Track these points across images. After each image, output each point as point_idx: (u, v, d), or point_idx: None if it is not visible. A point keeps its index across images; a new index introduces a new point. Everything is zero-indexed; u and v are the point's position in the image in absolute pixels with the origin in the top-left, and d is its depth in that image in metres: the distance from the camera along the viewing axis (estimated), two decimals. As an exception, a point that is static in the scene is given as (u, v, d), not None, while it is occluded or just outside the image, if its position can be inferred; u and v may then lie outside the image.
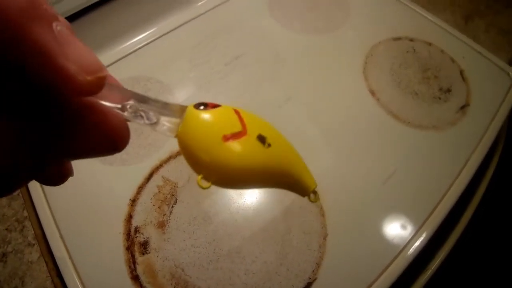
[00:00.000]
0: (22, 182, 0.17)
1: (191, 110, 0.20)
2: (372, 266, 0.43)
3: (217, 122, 0.20)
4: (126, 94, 0.18)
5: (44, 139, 0.15)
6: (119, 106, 0.18)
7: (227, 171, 0.20)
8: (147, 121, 0.19)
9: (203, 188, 0.20)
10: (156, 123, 0.19)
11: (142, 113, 0.19)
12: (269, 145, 0.20)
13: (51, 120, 0.15)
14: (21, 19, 0.12)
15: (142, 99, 0.19)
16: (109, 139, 0.17)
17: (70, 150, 0.17)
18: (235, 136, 0.19)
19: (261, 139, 0.20)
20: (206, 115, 0.19)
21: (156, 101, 0.19)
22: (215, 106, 0.20)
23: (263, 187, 0.23)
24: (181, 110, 0.20)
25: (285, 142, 0.22)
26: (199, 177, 0.20)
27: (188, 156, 0.20)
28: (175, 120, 0.19)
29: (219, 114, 0.20)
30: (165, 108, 0.19)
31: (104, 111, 0.17)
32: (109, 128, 0.17)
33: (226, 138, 0.19)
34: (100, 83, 0.15)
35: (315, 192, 0.24)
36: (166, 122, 0.19)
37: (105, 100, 0.17)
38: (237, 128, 0.20)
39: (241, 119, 0.20)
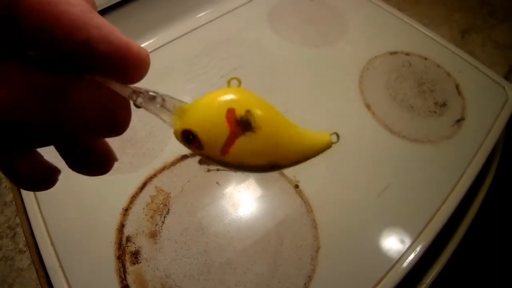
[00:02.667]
0: (36, 139, 0.16)
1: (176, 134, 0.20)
2: (365, 279, 0.42)
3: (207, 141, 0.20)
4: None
5: (54, 95, 0.15)
6: (131, 89, 0.18)
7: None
8: (158, 106, 0.19)
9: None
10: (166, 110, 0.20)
11: (156, 98, 0.19)
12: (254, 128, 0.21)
13: (64, 78, 0.15)
14: None
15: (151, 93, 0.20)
16: (110, 116, 0.17)
17: (73, 117, 0.16)
18: (226, 146, 0.20)
19: (246, 126, 0.20)
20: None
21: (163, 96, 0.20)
22: (199, 144, 0.20)
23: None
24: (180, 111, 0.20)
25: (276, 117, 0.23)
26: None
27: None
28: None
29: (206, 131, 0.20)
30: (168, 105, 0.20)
31: (110, 87, 0.17)
32: (113, 105, 0.17)
33: (224, 152, 0.20)
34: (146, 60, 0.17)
35: (335, 136, 0.27)
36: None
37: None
38: (224, 136, 0.20)
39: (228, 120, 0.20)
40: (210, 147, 0.20)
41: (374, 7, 0.70)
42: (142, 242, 0.43)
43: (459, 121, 0.56)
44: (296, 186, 0.48)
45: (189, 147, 0.20)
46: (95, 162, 0.21)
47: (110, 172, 0.19)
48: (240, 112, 0.20)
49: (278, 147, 0.22)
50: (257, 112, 0.21)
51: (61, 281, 0.41)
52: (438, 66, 0.62)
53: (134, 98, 0.18)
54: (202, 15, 0.67)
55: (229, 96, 0.21)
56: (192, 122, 0.19)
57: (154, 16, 0.64)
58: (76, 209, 0.46)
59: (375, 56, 0.62)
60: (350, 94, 0.58)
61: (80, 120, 0.16)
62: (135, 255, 0.43)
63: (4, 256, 0.45)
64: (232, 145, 0.20)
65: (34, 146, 0.18)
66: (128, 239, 0.43)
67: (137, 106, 0.19)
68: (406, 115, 0.56)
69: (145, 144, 0.51)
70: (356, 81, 0.59)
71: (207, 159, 0.21)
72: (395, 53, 0.63)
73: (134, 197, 0.46)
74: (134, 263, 0.42)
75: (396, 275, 0.43)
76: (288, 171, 0.49)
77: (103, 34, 0.15)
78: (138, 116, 0.54)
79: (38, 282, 0.43)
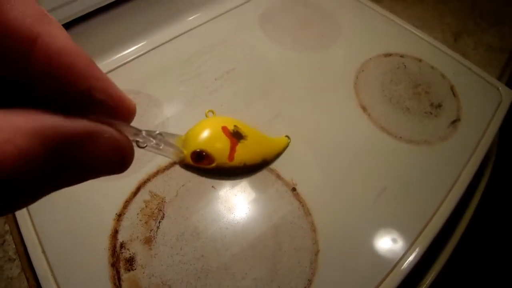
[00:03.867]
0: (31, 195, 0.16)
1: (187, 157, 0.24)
2: (365, 282, 0.42)
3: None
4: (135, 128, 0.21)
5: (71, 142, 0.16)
6: (135, 129, 0.20)
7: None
8: (157, 146, 0.23)
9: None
10: (163, 149, 0.23)
11: (154, 139, 0.23)
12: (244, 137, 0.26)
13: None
14: None
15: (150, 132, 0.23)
16: (118, 155, 0.18)
17: (84, 163, 0.17)
18: (231, 154, 0.25)
19: (239, 136, 0.26)
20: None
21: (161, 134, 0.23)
22: (210, 158, 0.24)
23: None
24: (178, 151, 0.24)
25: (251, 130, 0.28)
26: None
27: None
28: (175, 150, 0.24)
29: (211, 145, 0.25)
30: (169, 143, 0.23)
31: (118, 128, 0.19)
32: (120, 144, 0.18)
33: (231, 159, 0.25)
34: (133, 109, 0.20)
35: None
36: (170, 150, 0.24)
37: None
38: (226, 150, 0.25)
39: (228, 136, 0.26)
40: (220, 158, 0.24)
41: (367, 10, 0.71)
42: (136, 248, 0.42)
43: (455, 122, 0.55)
44: (293, 189, 0.47)
45: (199, 165, 0.24)
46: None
47: (103, 178, 0.19)
48: (230, 127, 0.26)
49: (263, 147, 0.28)
50: (240, 126, 0.27)
51: (53, 290, 0.39)
52: (433, 67, 0.62)
53: (137, 138, 0.21)
54: (193, 18, 0.67)
55: (216, 120, 0.27)
56: (200, 144, 0.24)
57: (145, 18, 0.63)
58: (68, 215, 0.45)
59: (370, 58, 0.62)
60: (345, 96, 0.57)
61: (94, 165, 0.17)
62: (130, 261, 0.41)
63: (-7, 265, 0.43)
64: (235, 152, 0.25)
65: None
66: (122, 245, 0.42)
67: (139, 147, 0.21)
68: (401, 117, 0.55)
69: (138, 149, 0.50)
70: (351, 83, 0.59)
71: (190, 169, 0.25)
72: (390, 55, 0.63)
73: (127, 202, 0.45)
74: (129, 270, 0.41)
75: (395, 277, 0.42)
76: (285, 174, 0.48)
77: (102, 85, 0.17)
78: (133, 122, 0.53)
79: (28, 292, 0.42)
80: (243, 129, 0.27)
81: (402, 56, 0.63)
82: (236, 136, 0.26)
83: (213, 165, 0.24)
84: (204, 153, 0.24)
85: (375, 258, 0.43)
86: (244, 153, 0.26)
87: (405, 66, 0.62)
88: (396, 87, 0.59)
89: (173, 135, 0.24)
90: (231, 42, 0.64)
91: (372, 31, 0.67)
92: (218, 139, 0.25)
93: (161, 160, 0.48)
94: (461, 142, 0.54)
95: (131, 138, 0.20)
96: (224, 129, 0.25)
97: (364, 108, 0.56)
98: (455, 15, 0.74)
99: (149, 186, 0.46)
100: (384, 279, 0.42)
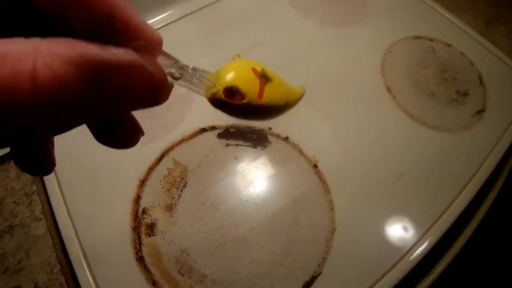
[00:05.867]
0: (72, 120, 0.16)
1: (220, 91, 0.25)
2: (377, 265, 0.42)
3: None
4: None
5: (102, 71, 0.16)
6: (169, 61, 0.20)
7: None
8: (191, 79, 0.23)
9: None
10: (196, 82, 0.23)
11: (189, 68, 0.22)
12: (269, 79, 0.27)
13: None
14: None
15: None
16: (153, 87, 0.18)
17: (118, 93, 0.17)
18: (261, 92, 0.26)
19: (267, 78, 0.27)
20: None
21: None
22: (241, 95, 0.25)
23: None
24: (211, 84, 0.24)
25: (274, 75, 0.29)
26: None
27: None
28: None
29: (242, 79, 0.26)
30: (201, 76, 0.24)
31: (153, 59, 0.19)
32: (155, 76, 0.18)
33: (260, 97, 0.26)
34: (160, 41, 0.19)
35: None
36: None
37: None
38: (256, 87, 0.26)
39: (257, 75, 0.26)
40: (250, 95, 0.25)
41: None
42: (158, 215, 0.43)
43: (480, 112, 0.55)
44: (315, 166, 0.47)
45: (231, 101, 0.25)
46: (124, 135, 0.22)
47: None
48: (258, 69, 0.26)
49: (285, 91, 0.29)
50: (266, 69, 0.27)
51: (76, 249, 0.41)
52: (462, 54, 0.60)
53: (172, 70, 0.21)
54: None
55: (245, 61, 0.27)
56: (232, 80, 0.24)
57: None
58: (93, 179, 0.46)
59: (398, 40, 0.61)
60: (371, 76, 0.57)
61: (126, 97, 0.17)
62: (151, 227, 0.43)
63: (20, 222, 0.45)
64: (263, 91, 0.26)
65: (66, 130, 0.17)
66: (144, 211, 0.43)
67: (174, 78, 0.21)
68: (427, 102, 0.55)
69: (163, 116, 0.50)
70: (378, 64, 0.58)
71: (220, 106, 0.25)
72: (419, 38, 0.62)
73: (151, 169, 0.46)
74: (149, 235, 0.42)
75: (406, 264, 0.43)
76: (307, 150, 0.48)
77: (123, 14, 0.17)
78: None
79: (53, 250, 0.43)
80: (269, 73, 0.28)
81: (431, 40, 0.62)
82: (264, 77, 0.27)
83: (244, 101, 0.25)
84: (236, 89, 0.25)
85: (388, 243, 0.44)
86: (271, 93, 0.27)
87: (434, 50, 0.61)
88: (423, 71, 0.58)
89: (205, 71, 0.24)
90: (258, 16, 0.63)
91: (402, 12, 0.66)
92: (248, 78, 0.26)
93: (186, 129, 0.49)
94: (484, 133, 0.53)
95: (166, 70, 0.20)
96: (254, 69, 0.26)
97: (389, 90, 0.55)
98: (489, 1, 0.72)
99: (173, 154, 0.47)
100: (395, 265, 0.42)
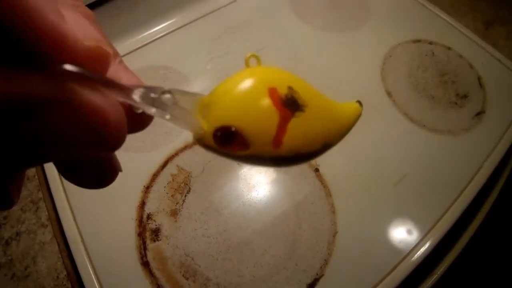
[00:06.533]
0: None
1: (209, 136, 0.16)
2: (379, 267, 0.43)
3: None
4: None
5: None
6: (126, 89, 0.13)
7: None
8: (162, 114, 0.15)
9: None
10: (171, 118, 0.15)
11: (158, 102, 0.15)
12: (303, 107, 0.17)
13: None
14: None
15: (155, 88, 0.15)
16: (95, 127, 0.13)
17: (44, 137, 0.12)
18: (279, 136, 0.16)
19: (294, 106, 0.16)
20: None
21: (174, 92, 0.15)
22: (243, 141, 0.16)
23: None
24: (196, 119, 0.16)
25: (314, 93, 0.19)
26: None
27: None
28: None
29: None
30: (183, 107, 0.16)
31: (99, 86, 0.13)
32: (97, 112, 0.13)
33: (277, 144, 0.16)
34: (101, 54, 0.13)
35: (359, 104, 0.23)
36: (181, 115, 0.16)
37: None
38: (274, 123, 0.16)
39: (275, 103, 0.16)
40: (259, 142, 0.15)
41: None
42: (162, 220, 0.44)
43: (479, 114, 0.55)
44: (316, 170, 0.48)
45: (225, 149, 0.16)
46: (94, 175, 0.17)
47: (132, 150, 0.17)
48: (282, 90, 0.16)
49: (326, 123, 0.19)
50: (298, 87, 0.17)
51: (82, 255, 0.41)
52: (461, 57, 0.61)
53: (127, 100, 0.14)
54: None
55: (262, 74, 0.17)
56: (229, 115, 0.15)
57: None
58: (98, 186, 0.46)
59: (398, 44, 0.62)
60: (372, 80, 0.57)
61: (59, 142, 0.13)
62: (156, 232, 0.43)
63: (27, 229, 0.45)
64: (285, 132, 0.16)
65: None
66: (149, 216, 0.44)
67: (135, 112, 0.15)
68: (426, 105, 0.55)
69: (166, 122, 0.51)
70: (378, 68, 0.59)
71: (214, 150, 0.16)
72: (418, 41, 0.63)
73: (155, 175, 0.47)
74: (154, 240, 0.43)
75: (407, 266, 0.43)
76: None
77: (23, 14, 0.11)
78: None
79: (59, 256, 0.44)
80: (302, 92, 0.17)
81: (431, 43, 0.63)
82: (290, 105, 0.16)
83: (247, 151, 0.16)
84: (234, 132, 0.15)
85: (389, 245, 0.44)
86: (299, 135, 0.16)
87: (433, 53, 0.61)
88: (423, 75, 0.59)
89: (190, 95, 0.16)
90: (260, 22, 0.64)
91: (402, 15, 0.66)
92: (261, 110, 0.15)
93: (189, 136, 0.49)
94: (484, 135, 0.53)
95: (119, 99, 0.13)
96: (272, 92, 0.16)
97: (389, 94, 0.56)
98: (489, 3, 0.72)
99: (177, 160, 0.48)
100: (396, 266, 0.43)
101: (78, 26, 0.12)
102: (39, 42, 0.11)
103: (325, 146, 0.19)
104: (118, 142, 0.14)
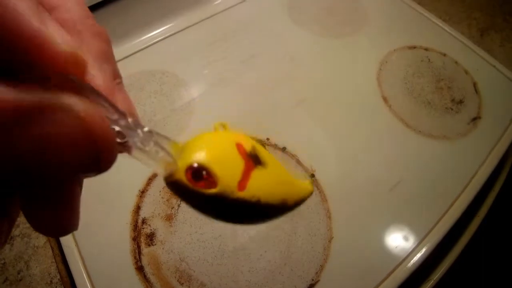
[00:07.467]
0: None
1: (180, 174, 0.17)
2: (374, 272, 0.43)
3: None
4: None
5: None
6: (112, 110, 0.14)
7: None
8: (142, 146, 0.16)
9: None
10: (149, 151, 0.17)
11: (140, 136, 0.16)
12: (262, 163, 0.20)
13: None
14: None
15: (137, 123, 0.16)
16: (91, 141, 0.12)
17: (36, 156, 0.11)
18: (243, 180, 0.18)
19: (257, 160, 0.19)
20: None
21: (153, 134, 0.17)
22: (212, 179, 0.17)
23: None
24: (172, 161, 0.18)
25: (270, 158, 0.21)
26: None
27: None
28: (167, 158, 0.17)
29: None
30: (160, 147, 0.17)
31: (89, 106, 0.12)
32: (94, 124, 0.12)
33: (241, 187, 0.18)
34: (78, 60, 0.13)
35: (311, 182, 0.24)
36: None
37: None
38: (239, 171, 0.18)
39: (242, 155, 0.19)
40: (226, 182, 0.17)
41: (394, 0, 0.70)
42: (157, 225, 0.44)
43: (475, 119, 0.55)
44: (312, 175, 0.48)
45: (195, 186, 0.17)
46: (63, 216, 0.16)
47: (128, 155, 0.17)
48: (247, 146, 0.19)
49: (284, 184, 0.21)
50: (260, 149, 0.20)
51: (76, 259, 0.41)
52: (457, 63, 0.61)
53: (116, 127, 0.14)
54: (220, 2, 0.67)
55: (230, 134, 0.20)
56: (202, 156, 0.17)
57: (174, 1, 0.63)
58: (92, 190, 0.46)
59: (394, 50, 0.62)
60: (368, 86, 0.58)
61: (51, 161, 0.12)
62: (150, 237, 0.43)
63: (21, 233, 0.45)
64: (248, 178, 0.18)
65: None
66: (144, 221, 0.44)
67: (118, 140, 0.15)
68: (422, 111, 0.56)
69: (163, 127, 0.51)
70: (374, 74, 0.59)
71: (179, 191, 0.18)
72: (414, 47, 0.63)
73: (151, 180, 0.46)
74: (149, 245, 0.42)
75: (404, 271, 0.43)
76: (305, 160, 0.49)
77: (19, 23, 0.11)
78: (157, 99, 0.54)
79: (53, 260, 0.43)
80: (263, 154, 0.20)
81: (426, 49, 0.63)
82: (253, 158, 0.19)
83: (215, 190, 0.17)
84: (205, 171, 0.17)
85: (386, 250, 0.44)
86: (260, 184, 0.19)
87: (429, 59, 0.62)
88: (418, 80, 0.59)
89: (166, 139, 0.18)
90: (258, 27, 0.64)
91: (397, 22, 0.67)
92: (228, 157, 0.18)
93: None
94: (480, 140, 0.54)
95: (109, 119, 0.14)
96: (239, 146, 0.19)
97: (385, 100, 0.56)
98: (484, 10, 0.73)
99: (172, 165, 0.48)
100: (392, 271, 0.43)
101: (57, 32, 0.12)
102: (20, 44, 0.11)
103: (283, 204, 0.20)
104: (111, 162, 0.14)
